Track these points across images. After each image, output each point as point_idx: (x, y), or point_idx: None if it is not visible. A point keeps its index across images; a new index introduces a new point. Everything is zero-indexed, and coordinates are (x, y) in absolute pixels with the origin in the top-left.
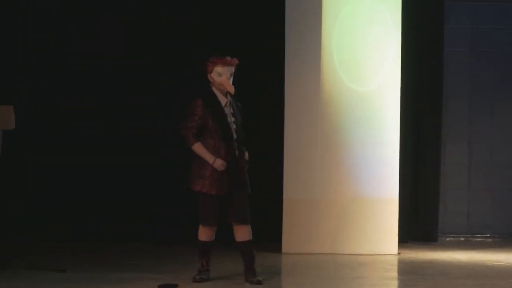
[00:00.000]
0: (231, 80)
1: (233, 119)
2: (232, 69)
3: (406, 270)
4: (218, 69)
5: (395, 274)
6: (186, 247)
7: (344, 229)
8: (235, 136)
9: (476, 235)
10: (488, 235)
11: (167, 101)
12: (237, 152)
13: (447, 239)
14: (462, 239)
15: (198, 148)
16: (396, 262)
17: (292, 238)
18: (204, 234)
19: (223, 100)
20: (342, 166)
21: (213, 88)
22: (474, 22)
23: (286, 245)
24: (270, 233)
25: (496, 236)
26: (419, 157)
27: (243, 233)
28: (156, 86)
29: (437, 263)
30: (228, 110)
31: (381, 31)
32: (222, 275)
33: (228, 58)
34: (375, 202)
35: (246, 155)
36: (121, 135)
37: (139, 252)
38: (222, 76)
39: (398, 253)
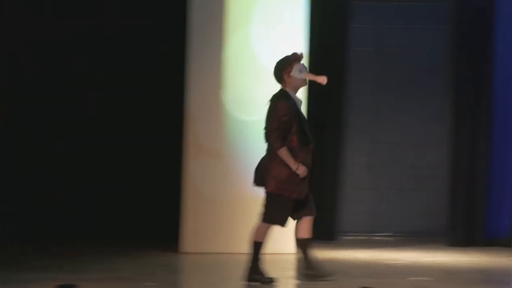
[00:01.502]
0: None
1: (306, 121)
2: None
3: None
4: (298, 65)
5: (294, 273)
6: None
7: (244, 228)
8: (311, 139)
9: (377, 234)
10: (388, 233)
11: None
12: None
13: (348, 238)
14: (363, 237)
15: (284, 152)
16: (295, 261)
17: (190, 237)
18: (264, 234)
19: (297, 101)
20: (240, 166)
21: (287, 89)
22: (378, 22)
23: (184, 244)
24: (169, 232)
25: (397, 234)
26: (321, 157)
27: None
28: None
29: (338, 262)
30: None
31: (286, 31)
32: None
33: (301, 52)
34: None
35: None
36: None
37: (43, 251)
38: (303, 71)
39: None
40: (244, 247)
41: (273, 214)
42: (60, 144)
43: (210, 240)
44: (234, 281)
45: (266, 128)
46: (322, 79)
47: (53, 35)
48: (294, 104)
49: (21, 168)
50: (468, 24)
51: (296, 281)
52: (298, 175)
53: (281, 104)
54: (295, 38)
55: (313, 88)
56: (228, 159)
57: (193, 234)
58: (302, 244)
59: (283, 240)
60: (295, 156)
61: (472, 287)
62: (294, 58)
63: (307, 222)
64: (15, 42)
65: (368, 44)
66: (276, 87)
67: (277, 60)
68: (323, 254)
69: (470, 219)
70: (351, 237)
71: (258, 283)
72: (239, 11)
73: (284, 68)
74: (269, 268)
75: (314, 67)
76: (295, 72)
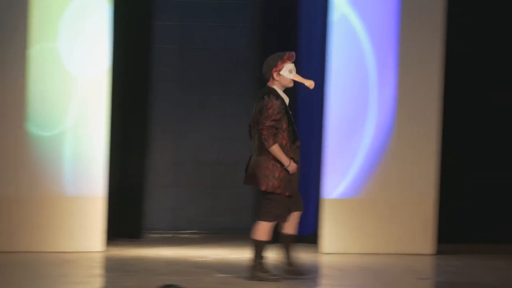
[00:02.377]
0: None
1: (292, 119)
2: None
3: (112, 267)
4: (289, 65)
5: (100, 271)
6: None
7: (49, 226)
8: (298, 136)
9: (182, 231)
10: (194, 231)
11: None
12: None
13: (153, 235)
14: (168, 235)
15: (276, 149)
16: (102, 260)
17: None
18: (268, 232)
19: (286, 99)
20: (51, 163)
21: (275, 87)
22: (183, 19)
23: None
24: None
25: (202, 232)
26: (127, 154)
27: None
28: None
29: (144, 260)
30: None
31: (91, 28)
32: None
33: (294, 52)
34: (80, 200)
35: None
36: None
37: None
38: (292, 72)
39: (104, 250)
40: (49, 246)
41: (272, 212)
42: None
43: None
44: (38, 280)
45: (254, 126)
46: (310, 83)
47: None
48: (283, 102)
49: None
50: (274, 22)
51: (100, 280)
52: (288, 172)
53: (273, 102)
54: (99, 42)
55: (118, 83)
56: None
57: None
58: (286, 239)
59: (89, 237)
60: (286, 153)
61: (280, 283)
62: (286, 58)
63: (294, 218)
64: None
65: (172, 42)
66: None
67: (269, 57)
68: (130, 252)
69: None
70: (156, 235)
71: (263, 281)
72: (43, 24)
73: (274, 65)
74: (75, 266)
75: (121, 63)
76: (285, 72)
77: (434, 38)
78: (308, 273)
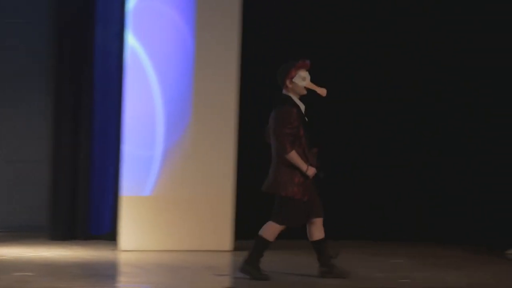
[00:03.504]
0: None
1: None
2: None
3: None
4: (302, 73)
5: None
6: None
7: None
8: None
9: None
10: None
11: None
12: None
13: None
14: None
15: (294, 156)
16: None
17: None
18: (275, 234)
19: (302, 106)
20: None
21: (291, 95)
22: None
23: None
24: None
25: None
26: None
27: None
28: None
29: None
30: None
31: None
32: None
33: (308, 61)
34: None
35: None
36: None
37: None
38: (306, 80)
39: None
40: None
41: (288, 217)
42: None
43: None
44: None
45: (270, 133)
46: (322, 91)
47: None
48: (299, 109)
49: None
50: (68, 19)
51: None
52: (307, 177)
53: (291, 110)
54: None
55: None
56: None
57: None
58: (319, 245)
59: None
60: (305, 159)
61: (77, 281)
62: (300, 65)
63: (317, 224)
64: None
65: None
66: None
67: (283, 64)
68: None
69: (72, 214)
70: None
71: (249, 276)
72: None
73: (287, 73)
74: None
75: None
76: (297, 79)
77: (230, 35)
78: (349, 274)
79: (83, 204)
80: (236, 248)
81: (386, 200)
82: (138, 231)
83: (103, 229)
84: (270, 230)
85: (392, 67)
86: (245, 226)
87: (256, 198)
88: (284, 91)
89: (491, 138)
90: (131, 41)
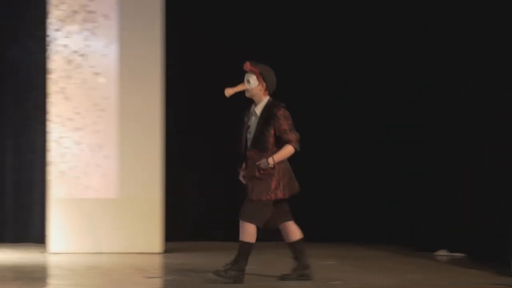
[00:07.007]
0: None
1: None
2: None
3: None
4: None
5: None
6: None
7: None
8: None
9: None
10: None
11: None
12: None
13: None
14: None
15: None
16: None
17: None
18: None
19: (252, 107)
20: None
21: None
22: None
23: None
24: None
25: None
26: None
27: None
28: None
29: None
30: None
31: None
32: None
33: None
34: None
35: None
36: None
37: None
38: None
39: None
40: None
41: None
42: None
43: None
44: None
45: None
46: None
47: None
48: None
49: None
50: None
51: None
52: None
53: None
54: None
55: None
56: None
57: None
58: (297, 245)
59: None
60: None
61: (7, 284)
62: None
63: (293, 224)
64: None
65: None
66: None
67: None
68: None
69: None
70: None
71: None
72: None
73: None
74: None
75: None
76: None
77: (153, 40)
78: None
79: (10, 206)
80: (167, 250)
81: (313, 201)
82: (68, 233)
83: (31, 230)
84: (250, 232)
85: (384, 69)
86: (175, 227)
87: (186, 200)
88: (266, 97)
89: (419, 139)
90: None
